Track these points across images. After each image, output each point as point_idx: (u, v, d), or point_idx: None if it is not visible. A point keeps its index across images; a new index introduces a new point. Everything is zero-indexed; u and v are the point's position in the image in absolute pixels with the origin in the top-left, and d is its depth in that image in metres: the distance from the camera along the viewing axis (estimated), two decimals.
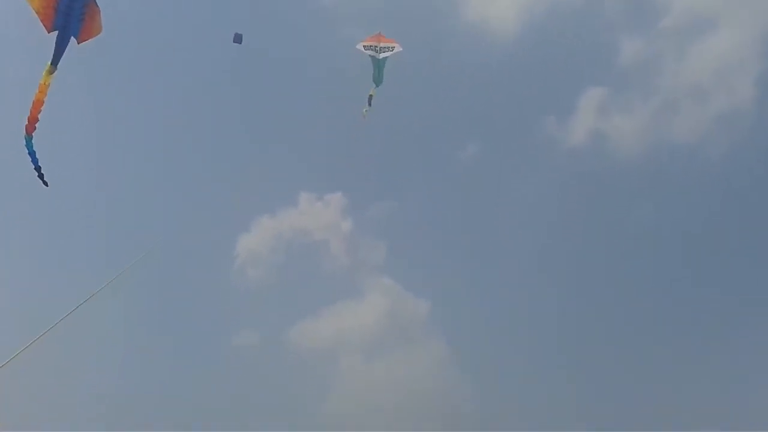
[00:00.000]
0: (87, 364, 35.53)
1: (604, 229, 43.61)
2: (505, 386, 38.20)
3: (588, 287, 41.53)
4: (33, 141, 17.26)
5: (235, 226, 42.38)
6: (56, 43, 17.02)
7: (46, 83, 17.14)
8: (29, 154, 17.30)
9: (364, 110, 28.92)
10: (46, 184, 17.49)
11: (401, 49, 27.95)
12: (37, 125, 17.25)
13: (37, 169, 17.42)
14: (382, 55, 27.67)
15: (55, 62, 17.10)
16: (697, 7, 45.91)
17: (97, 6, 17.39)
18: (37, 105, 17.08)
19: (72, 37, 17.06)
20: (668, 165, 45.04)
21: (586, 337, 39.41)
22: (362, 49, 27.81)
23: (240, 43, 25.50)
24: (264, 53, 41.57)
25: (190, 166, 44.29)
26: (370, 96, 28.77)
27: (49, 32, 16.88)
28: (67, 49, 17.13)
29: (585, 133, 45.84)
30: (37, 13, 16.65)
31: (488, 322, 40.37)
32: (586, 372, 38.18)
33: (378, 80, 28.26)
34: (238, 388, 36.86)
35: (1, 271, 37.02)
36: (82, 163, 39.41)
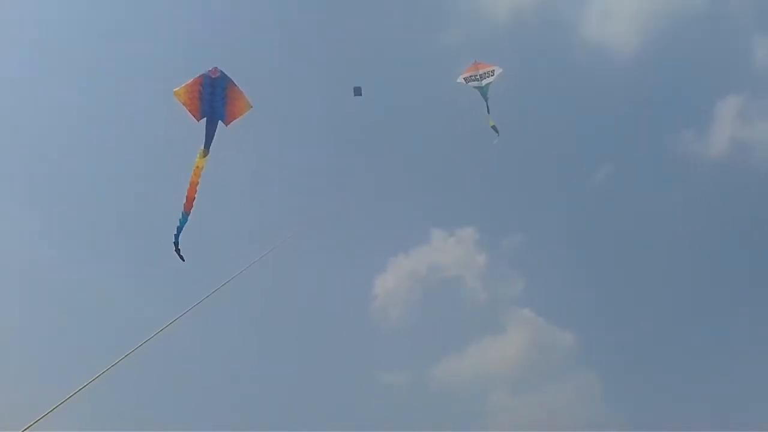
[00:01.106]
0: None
1: (756, 245, 40.55)
2: (656, 415, 35.88)
3: (742, 310, 38.55)
4: (188, 218, 18.23)
5: (372, 267, 42.52)
6: (206, 128, 17.95)
7: (200, 166, 18.09)
8: (178, 228, 18.21)
9: (495, 141, 28.39)
10: (182, 258, 18.23)
11: (501, 70, 27.53)
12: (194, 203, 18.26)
13: (176, 243, 18.22)
14: (485, 82, 27.21)
15: (207, 146, 18.03)
16: None
17: (237, 87, 18.18)
18: (193, 186, 18.07)
19: (220, 121, 17.96)
20: None
21: (745, 363, 36.01)
22: (463, 81, 27.48)
23: (360, 95, 25.82)
24: (388, 91, 42.02)
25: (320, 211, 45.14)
26: (493, 126, 28.21)
27: (198, 120, 17.85)
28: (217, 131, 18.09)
29: (726, 143, 43.15)
30: (184, 105, 17.67)
31: (637, 350, 38.49)
32: (745, 400, 35.05)
33: (489, 108, 27.83)
34: (387, 426, 36.83)
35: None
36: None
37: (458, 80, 27.73)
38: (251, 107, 18.56)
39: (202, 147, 17.93)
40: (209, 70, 17.92)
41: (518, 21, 46.65)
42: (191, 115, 17.80)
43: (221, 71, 18.05)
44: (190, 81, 17.85)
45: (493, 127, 28.25)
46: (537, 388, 39.78)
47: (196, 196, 18.12)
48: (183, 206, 18.08)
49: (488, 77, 27.21)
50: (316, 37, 49.96)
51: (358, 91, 25.74)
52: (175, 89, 17.79)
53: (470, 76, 27.45)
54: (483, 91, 27.33)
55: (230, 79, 18.12)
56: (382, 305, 42.61)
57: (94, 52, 45.52)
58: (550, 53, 46.26)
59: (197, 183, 18.03)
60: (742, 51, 43.79)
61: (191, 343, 34.86)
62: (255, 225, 43.20)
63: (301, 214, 44.02)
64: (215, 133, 17.98)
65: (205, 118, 17.85)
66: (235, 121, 18.27)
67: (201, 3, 49.14)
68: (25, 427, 9.64)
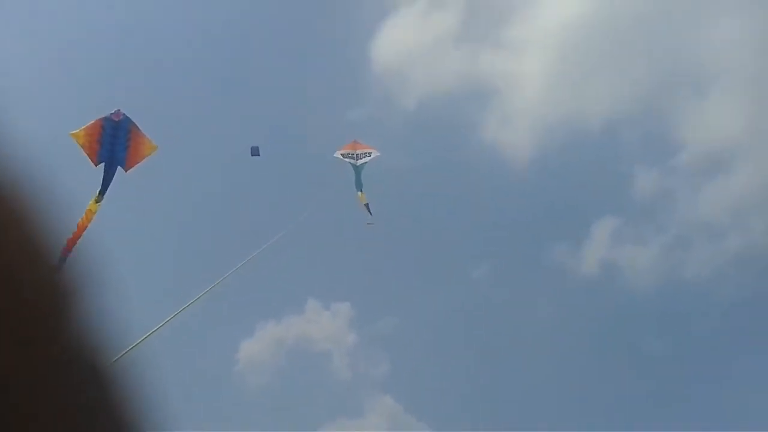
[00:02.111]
0: None
1: (613, 359, 42.30)
2: None
3: (594, 415, 39.95)
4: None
5: (239, 330, 40.66)
6: (104, 173, 17.16)
7: (93, 210, 17.23)
8: None
9: (368, 222, 28.39)
10: None
11: (379, 153, 27.85)
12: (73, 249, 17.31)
13: None
14: (360, 162, 27.44)
15: (102, 192, 17.21)
16: (712, 145, 45.05)
17: (140, 131, 17.54)
18: (80, 230, 17.12)
19: (119, 167, 17.23)
20: (679, 301, 43.93)
21: None
22: (340, 157, 27.56)
23: (258, 155, 25.54)
24: (281, 151, 42.10)
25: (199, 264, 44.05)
26: (366, 204, 28.18)
27: (96, 165, 17.05)
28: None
29: (597, 262, 45.50)
30: (82, 147, 16.84)
31: None
32: None
33: (359, 185, 27.85)
34: None
35: None
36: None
37: (335, 155, 27.66)
38: (156, 149, 17.95)
39: (97, 192, 17.13)
40: (111, 113, 17.20)
41: (425, 110, 46.75)
42: (89, 160, 17.01)
43: (124, 114, 17.38)
44: (90, 123, 17.08)
45: (366, 206, 28.10)
46: None
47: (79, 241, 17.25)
48: (61, 250, 17.09)
49: (364, 158, 27.35)
50: (226, 86, 49.41)
51: (255, 151, 25.45)
52: (72, 131, 16.96)
53: (347, 153, 27.44)
54: (357, 170, 27.44)
55: (134, 123, 17.45)
56: (243, 370, 40.97)
57: None
58: (448, 148, 47.60)
59: (85, 228, 17.16)
60: (625, 177, 46.00)
61: None
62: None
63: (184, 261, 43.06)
64: (112, 179, 17.26)
65: (103, 164, 17.10)
66: (136, 165, 17.61)
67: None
68: None
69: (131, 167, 17.38)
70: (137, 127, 17.54)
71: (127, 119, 17.28)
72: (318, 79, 48.99)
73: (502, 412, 40.69)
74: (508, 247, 46.83)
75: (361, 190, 27.63)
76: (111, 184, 17.25)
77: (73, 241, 17.16)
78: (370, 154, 27.28)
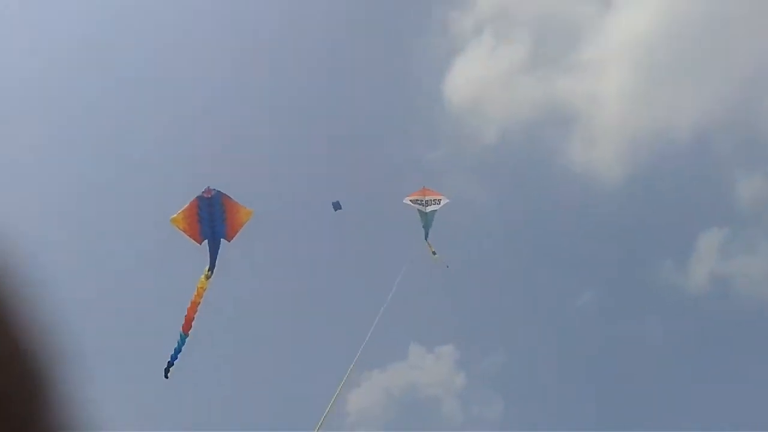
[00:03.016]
0: None
1: (733, 378, 40.05)
2: None
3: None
4: (186, 340, 17.92)
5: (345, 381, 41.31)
6: (209, 249, 17.75)
7: (204, 287, 17.83)
8: (176, 350, 17.86)
9: (435, 260, 28.21)
10: (166, 377, 17.89)
11: (448, 200, 27.53)
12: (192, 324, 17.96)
13: (170, 364, 17.85)
14: (429, 209, 27.12)
15: (211, 267, 17.80)
16: None
17: (233, 200, 18.05)
18: (194, 306, 17.80)
19: (222, 239, 17.78)
20: None
21: None
22: (409, 203, 27.37)
23: (340, 209, 26.01)
24: (369, 200, 42.28)
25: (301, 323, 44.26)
26: (433, 252, 27.95)
27: (200, 243, 17.67)
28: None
29: (706, 276, 43.14)
30: (184, 231, 17.49)
31: None
32: None
33: (426, 232, 27.67)
34: None
35: None
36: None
37: (404, 201, 27.54)
38: (252, 213, 18.41)
39: (206, 269, 17.74)
40: (203, 192, 17.80)
41: (505, 143, 47.31)
42: (192, 240, 17.65)
43: (215, 189, 17.96)
44: (186, 206, 17.73)
45: (434, 253, 27.86)
46: None
47: (195, 317, 17.89)
48: (182, 327, 17.81)
49: (433, 204, 27.08)
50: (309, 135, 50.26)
51: (337, 206, 25.98)
52: (172, 216, 17.65)
53: (416, 200, 27.27)
54: (426, 217, 27.22)
55: (225, 195, 17.99)
56: (355, 423, 40.79)
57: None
58: (536, 177, 47.35)
59: (198, 303, 17.77)
60: (725, 185, 44.52)
61: None
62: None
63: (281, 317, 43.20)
64: (218, 252, 17.83)
65: (206, 240, 17.71)
66: (237, 234, 18.13)
67: None
68: None
69: (233, 236, 17.91)
70: (229, 197, 18.07)
71: (219, 193, 17.83)
72: (394, 122, 49.61)
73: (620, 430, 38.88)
74: (610, 271, 45.74)
75: (426, 238, 27.49)
76: (217, 257, 17.85)
77: (189, 319, 17.85)
78: (439, 201, 27.07)
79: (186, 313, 17.85)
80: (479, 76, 47.80)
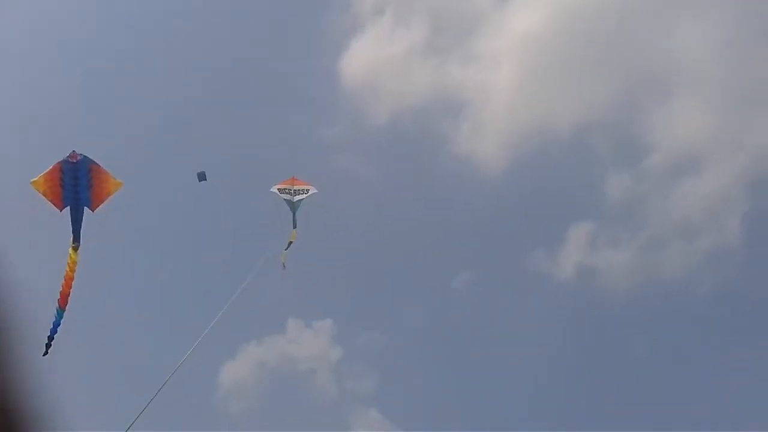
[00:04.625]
0: None
1: (596, 362, 42.61)
2: None
3: (578, 421, 39.96)
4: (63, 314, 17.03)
5: (220, 352, 39.92)
6: (71, 217, 16.82)
7: (74, 260, 16.91)
8: (54, 324, 16.96)
9: (282, 257, 27.66)
10: (45, 353, 16.93)
11: (316, 191, 27.52)
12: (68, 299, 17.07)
13: (50, 339, 16.97)
14: (296, 198, 27.11)
15: (76, 237, 16.87)
16: (683, 146, 45.90)
17: (102, 167, 17.18)
18: (68, 282, 16.90)
19: (86, 208, 16.90)
20: (657, 300, 44.14)
21: None
22: (277, 192, 27.25)
23: (205, 180, 25.35)
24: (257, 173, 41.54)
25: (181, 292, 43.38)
26: (290, 242, 27.55)
27: (61, 210, 16.71)
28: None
29: (575, 266, 45.19)
30: (44, 195, 16.49)
31: None
32: None
33: (295, 223, 27.46)
34: None
35: None
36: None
37: (272, 189, 27.29)
38: (121, 185, 17.59)
39: (71, 239, 16.82)
40: (68, 155, 16.80)
41: (396, 125, 47.67)
42: (53, 205, 16.66)
43: (82, 154, 17.00)
44: (48, 169, 16.70)
45: (289, 244, 27.52)
46: None
47: (71, 291, 17.02)
48: (57, 302, 16.90)
49: (301, 194, 27.06)
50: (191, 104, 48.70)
51: (202, 176, 25.29)
52: (32, 179, 16.60)
53: (284, 189, 27.15)
54: (293, 206, 27.10)
55: (93, 161, 17.06)
56: (227, 395, 40.51)
57: None
58: (421, 160, 48.32)
59: (72, 278, 16.90)
60: (597, 182, 46.55)
61: None
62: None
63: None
64: (81, 221, 16.93)
65: (68, 207, 16.75)
66: (102, 204, 17.28)
67: None
68: None
69: (98, 206, 17.03)
70: (98, 165, 17.15)
71: (86, 159, 16.88)
72: (288, 97, 49.00)
73: (488, 419, 40.46)
74: (486, 255, 47.00)
75: (294, 227, 27.26)
76: (81, 226, 16.96)
77: (65, 294, 16.89)
78: (307, 191, 26.99)
79: (61, 288, 16.89)
80: (376, 56, 48.37)
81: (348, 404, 41.57)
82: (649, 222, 46.51)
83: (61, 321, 16.87)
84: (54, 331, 16.78)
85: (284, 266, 27.75)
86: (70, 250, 16.76)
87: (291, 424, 38.75)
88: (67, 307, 16.90)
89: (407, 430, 39.55)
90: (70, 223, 16.80)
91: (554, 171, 47.04)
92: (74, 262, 16.72)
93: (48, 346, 16.63)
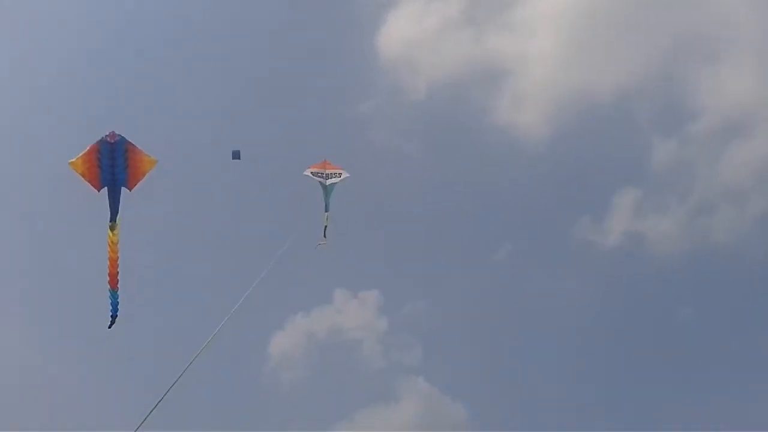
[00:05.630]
0: None
1: (642, 331, 42.12)
2: None
3: (626, 391, 39.96)
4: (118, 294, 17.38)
5: (269, 324, 41.32)
6: (109, 198, 16.96)
7: (114, 241, 17.09)
8: (112, 304, 17.37)
9: (318, 243, 27.88)
10: (110, 327, 17.49)
11: (348, 175, 27.45)
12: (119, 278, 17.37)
13: (114, 317, 17.44)
14: (329, 182, 27.12)
15: (113, 217, 17.02)
16: (731, 110, 44.68)
17: (137, 147, 17.22)
18: (113, 262, 17.14)
19: (123, 188, 17.02)
20: (706, 266, 43.40)
21: None
22: (310, 175, 27.27)
23: (239, 159, 25.16)
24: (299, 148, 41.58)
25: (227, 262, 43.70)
26: (325, 227, 27.74)
27: (98, 191, 16.85)
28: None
29: (620, 233, 44.88)
30: (82, 176, 16.61)
31: (527, 426, 38.33)
32: None
33: (327, 207, 27.58)
34: None
35: None
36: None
37: (305, 173, 27.31)
38: (156, 162, 17.61)
39: (109, 220, 16.98)
40: (106, 135, 16.87)
41: (434, 99, 47.66)
42: (91, 186, 16.81)
43: (119, 134, 17.06)
44: (86, 149, 16.81)
45: (325, 228, 27.68)
46: None
47: (118, 270, 17.28)
48: (108, 284, 17.21)
49: (334, 178, 27.13)
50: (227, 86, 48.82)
51: (236, 155, 25.08)
52: (70, 160, 16.73)
53: (317, 172, 27.18)
54: (326, 189, 27.19)
55: (129, 141, 17.11)
56: (275, 366, 41.40)
57: None
58: (463, 133, 47.92)
59: (116, 258, 17.11)
60: (644, 149, 45.93)
61: None
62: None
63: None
64: (119, 201, 17.06)
65: (106, 188, 16.88)
66: (139, 182, 17.36)
67: None
68: None
69: (134, 185, 17.13)
70: (133, 144, 17.18)
71: (123, 139, 16.92)
72: (325, 74, 49.03)
73: (535, 388, 40.52)
74: (530, 226, 46.70)
75: (327, 210, 27.37)
76: (119, 206, 17.10)
77: (113, 275, 17.17)
78: (339, 174, 27.02)
79: (108, 269, 17.17)
80: (412, 30, 48.19)
81: (394, 373, 42.08)
82: (697, 187, 45.70)
83: (118, 300, 17.26)
84: (114, 309, 17.30)
85: (319, 246, 27.89)
86: (109, 233, 16.94)
87: (339, 394, 39.97)
88: (118, 286, 17.25)
89: (454, 399, 39.87)
90: (108, 202, 16.95)
91: (597, 138, 46.31)
92: (115, 243, 16.89)
93: (112, 322, 17.34)
